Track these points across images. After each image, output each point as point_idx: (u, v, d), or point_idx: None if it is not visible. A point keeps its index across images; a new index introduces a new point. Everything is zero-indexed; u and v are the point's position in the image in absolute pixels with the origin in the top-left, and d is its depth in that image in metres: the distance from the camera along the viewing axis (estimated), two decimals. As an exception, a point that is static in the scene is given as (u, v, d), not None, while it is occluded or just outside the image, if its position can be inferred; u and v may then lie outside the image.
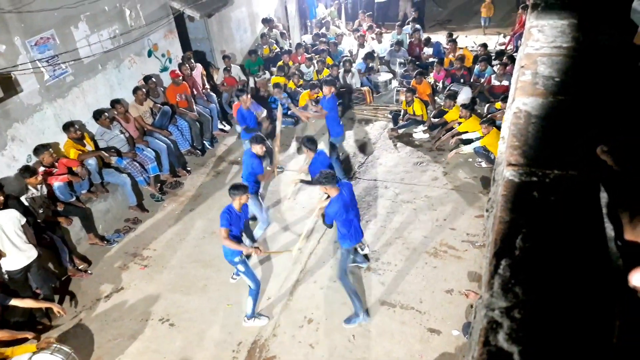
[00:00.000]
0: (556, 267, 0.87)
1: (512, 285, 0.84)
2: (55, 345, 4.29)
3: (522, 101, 1.37)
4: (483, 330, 0.77)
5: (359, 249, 5.57)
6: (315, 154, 5.70)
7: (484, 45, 9.94)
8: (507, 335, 0.75)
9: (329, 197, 4.68)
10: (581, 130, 1.23)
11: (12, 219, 4.90)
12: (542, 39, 1.74)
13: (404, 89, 8.78)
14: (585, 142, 1.14)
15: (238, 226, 4.81)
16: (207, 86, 9.24)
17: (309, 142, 5.68)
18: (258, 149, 5.63)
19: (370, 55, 10.44)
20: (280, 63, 10.01)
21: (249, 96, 7.33)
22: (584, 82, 1.44)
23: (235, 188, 4.65)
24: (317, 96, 9.14)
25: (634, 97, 1.34)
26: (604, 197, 1.05)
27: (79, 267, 5.99)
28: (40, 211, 5.64)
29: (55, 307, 4.77)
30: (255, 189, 5.80)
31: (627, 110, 1.27)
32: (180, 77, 8.18)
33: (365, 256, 5.63)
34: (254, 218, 6.04)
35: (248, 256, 5.22)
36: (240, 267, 4.87)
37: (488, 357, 0.73)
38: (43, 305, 5.04)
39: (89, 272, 6.03)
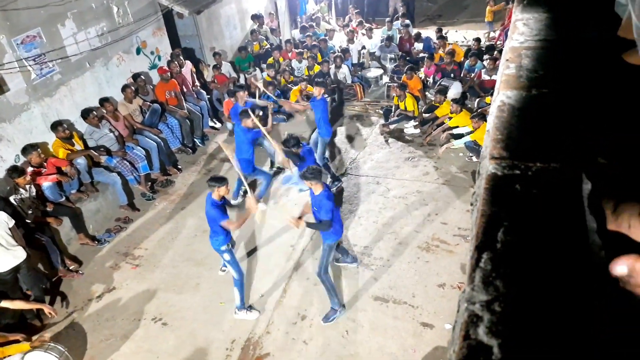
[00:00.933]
0: (537, 260, 0.88)
1: (493, 279, 0.84)
2: (49, 343, 4.28)
3: (506, 94, 1.37)
4: (464, 324, 0.77)
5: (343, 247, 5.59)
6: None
7: (477, 40, 9.95)
8: (487, 328, 0.75)
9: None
10: (564, 123, 1.24)
11: (0, 221, 4.85)
12: (527, 32, 1.75)
13: (395, 84, 8.78)
14: (568, 135, 1.15)
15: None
16: (197, 83, 9.18)
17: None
18: (249, 122, 5.77)
19: (346, 51, 10.34)
20: (270, 60, 9.98)
21: (245, 92, 7.32)
22: (567, 75, 1.45)
23: (214, 180, 4.65)
24: (308, 91, 9.14)
25: (615, 89, 1.35)
26: (586, 188, 1.05)
27: (70, 268, 5.94)
28: (30, 212, 5.59)
29: (47, 308, 4.75)
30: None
31: (609, 102, 1.28)
32: (168, 73, 8.09)
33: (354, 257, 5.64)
34: None
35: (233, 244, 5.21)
36: (226, 256, 4.92)
37: (468, 351, 0.73)
38: (34, 306, 5.00)
39: (80, 272, 5.99)
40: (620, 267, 0.79)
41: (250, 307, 5.21)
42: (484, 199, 1.00)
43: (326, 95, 7.48)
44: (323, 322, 4.99)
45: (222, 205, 4.74)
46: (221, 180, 4.64)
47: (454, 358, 0.74)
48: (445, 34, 10.82)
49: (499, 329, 0.72)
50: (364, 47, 11.09)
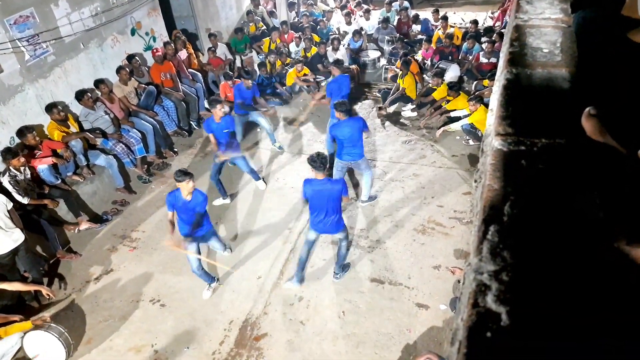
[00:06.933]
0: (543, 231, 0.89)
1: (500, 250, 0.86)
2: (49, 323, 4.32)
3: (511, 72, 1.38)
4: (472, 293, 0.79)
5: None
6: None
7: (475, 22, 9.88)
8: (495, 296, 0.77)
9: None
10: (569, 100, 1.24)
11: (-2, 203, 4.84)
12: (531, 11, 1.75)
13: (400, 60, 8.62)
14: (572, 111, 1.16)
15: (186, 213, 4.71)
16: (195, 62, 9.10)
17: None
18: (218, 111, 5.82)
19: (358, 32, 10.33)
20: (266, 40, 9.89)
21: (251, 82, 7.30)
22: (573, 53, 1.45)
23: (182, 174, 4.53)
24: (305, 73, 9.09)
25: (621, 67, 1.36)
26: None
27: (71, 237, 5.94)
28: (24, 195, 5.56)
29: (44, 290, 4.77)
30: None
31: (614, 80, 1.28)
32: (161, 54, 7.98)
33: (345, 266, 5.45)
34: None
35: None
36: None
37: (477, 317, 0.75)
38: (32, 288, 5.02)
39: (79, 253, 5.99)
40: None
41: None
42: (491, 174, 1.01)
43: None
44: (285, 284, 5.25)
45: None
46: (189, 175, 4.56)
47: (462, 326, 0.76)
48: (445, 15, 10.70)
49: (507, 297, 0.74)
50: (361, 29, 10.99)
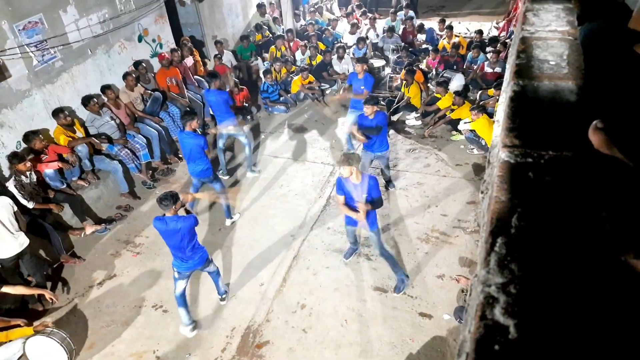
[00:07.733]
0: (550, 244, 0.89)
1: (508, 262, 0.86)
2: (51, 329, 4.32)
3: (518, 84, 1.39)
4: (480, 306, 0.79)
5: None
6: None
7: (480, 32, 9.92)
8: (503, 309, 0.77)
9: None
10: (575, 113, 1.25)
11: (5, 205, 4.86)
12: (537, 23, 1.76)
13: (405, 68, 8.65)
14: (580, 124, 1.16)
15: (174, 241, 4.47)
16: (202, 69, 9.16)
17: None
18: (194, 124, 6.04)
19: (362, 39, 10.39)
20: (272, 49, 9.95)
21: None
22: (580, 66, 1.46)
23: (164, 199, 4.28)
24: (310, 81, 9.15)
25: (626, 80, 1.36)
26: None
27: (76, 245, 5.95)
28: (29, 199, 5.59)
29: (47, 294, 4.77)
30: None
31: (621, 92, 1.29)
32: (167, 59, 8.04)
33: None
34: None
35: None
36: (175, 274, 4.75)
37: (485, 330, 0.74)
38: (35, 291, 5.02)
39: (83, 258, 6.01)
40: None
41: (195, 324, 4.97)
42: (498, 186, 1.01)
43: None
44: (396, 293, 5.11)
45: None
46: (174, 197, 4.34)
47: (469, 338, 0.76)
48: (450, 25, 10.76)
49: (515, 309, 0.74)
50: (367, 37, 11.06)
